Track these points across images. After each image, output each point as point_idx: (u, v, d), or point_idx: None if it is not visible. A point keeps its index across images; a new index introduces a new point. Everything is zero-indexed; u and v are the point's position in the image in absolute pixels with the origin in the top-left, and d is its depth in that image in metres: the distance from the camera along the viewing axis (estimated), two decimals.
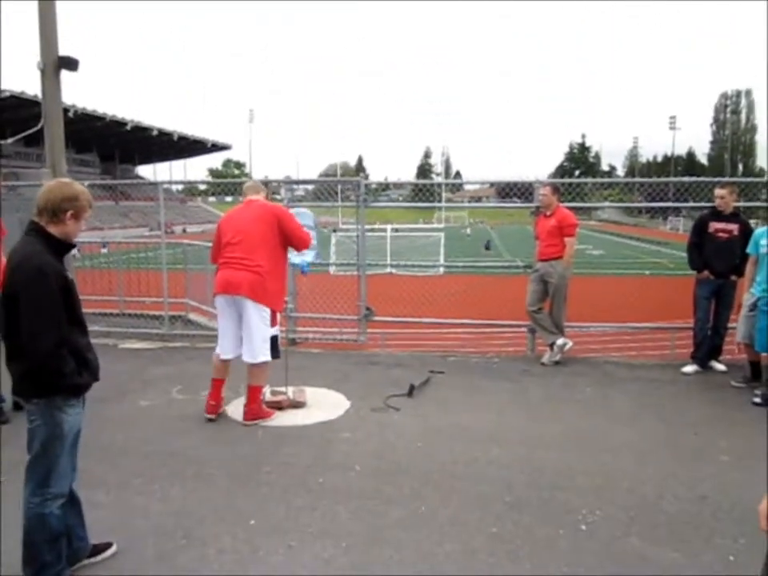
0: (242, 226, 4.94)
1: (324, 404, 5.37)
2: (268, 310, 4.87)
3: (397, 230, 32.07)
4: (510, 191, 8.50)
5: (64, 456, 2.70)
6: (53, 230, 2.64)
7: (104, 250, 11.44)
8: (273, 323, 4.94)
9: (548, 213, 6.76)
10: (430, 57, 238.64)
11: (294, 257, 5.43)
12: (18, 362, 2.60)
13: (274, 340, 4.98)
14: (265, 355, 4.92)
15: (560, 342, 6.66)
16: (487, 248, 33.75)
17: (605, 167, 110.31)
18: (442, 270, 18.70)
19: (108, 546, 3.03)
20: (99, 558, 2.98)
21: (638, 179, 17.88)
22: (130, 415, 5.11)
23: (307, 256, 5.57)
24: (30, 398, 2.65)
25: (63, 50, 8.71)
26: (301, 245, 5.03)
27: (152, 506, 3.54)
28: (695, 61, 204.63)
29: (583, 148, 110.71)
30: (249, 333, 4.87)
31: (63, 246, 2.69)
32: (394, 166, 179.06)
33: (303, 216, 5.60)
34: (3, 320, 2.60)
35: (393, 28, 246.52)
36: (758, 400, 5.32)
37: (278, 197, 7.96)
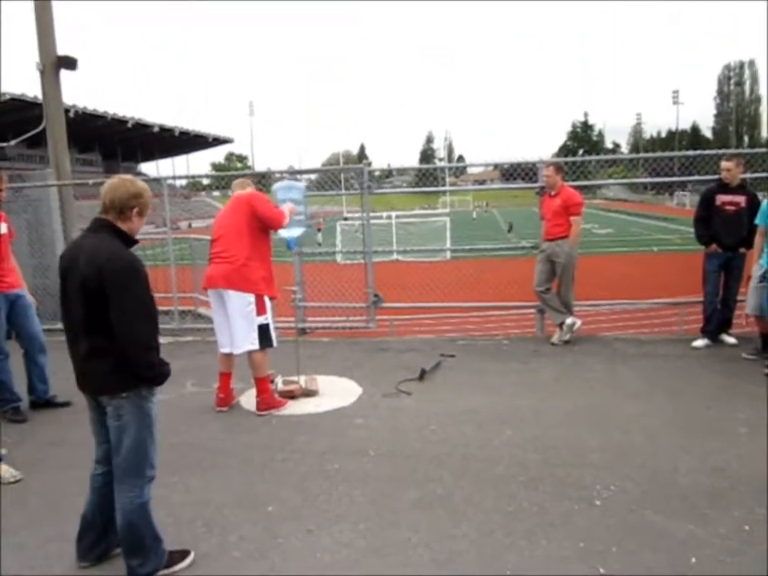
0: (223, 220, 5.09)
1: (336, 391, 5.41)
2: (251, 297, 4.88)
3: (399, 217, 31.99)
4: (513, 173, 8.48)
5: (153, 444, 2.79)
6: (121, 226, 2.70)
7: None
8: (261, 311, 4.92)
9: (553, 192, 6.74)
10: (429, 39, 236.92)
11: (282, 231, 5.42)
12: (102, 359, 2.62)
13: (264, 328, 4.97)
14: (250, 344, 4.93)
15: (569, 321, 6.66)
16: (510, 230, 32.55)
17: (609, 145, 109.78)
18: (448, 254, 18.68)
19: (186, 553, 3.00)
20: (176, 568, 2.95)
21: (642, 155, 17.71)
22: None
23: (295, 231, 5.55)
24: (118, 392, 2.67)
25: (62, 50, 8.76)
26: (274, 224, 5.06)
27: (172, 496, 3.59)
28: (697, 32, 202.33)
29: (586, 126, 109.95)
30: (231, 323, 4.95)
31: (130, 243, 2.74)
32: (396, 152, 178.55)
33: (291, 190, 5.59)
34: (82, 319, 2.61)
35: (392, 12, 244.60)
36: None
37: None
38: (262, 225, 5.00)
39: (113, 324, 2.55)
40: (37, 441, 4.61)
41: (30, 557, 3.04)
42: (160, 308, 8.79)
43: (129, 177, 2.83)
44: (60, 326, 2.97)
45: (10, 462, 4.02)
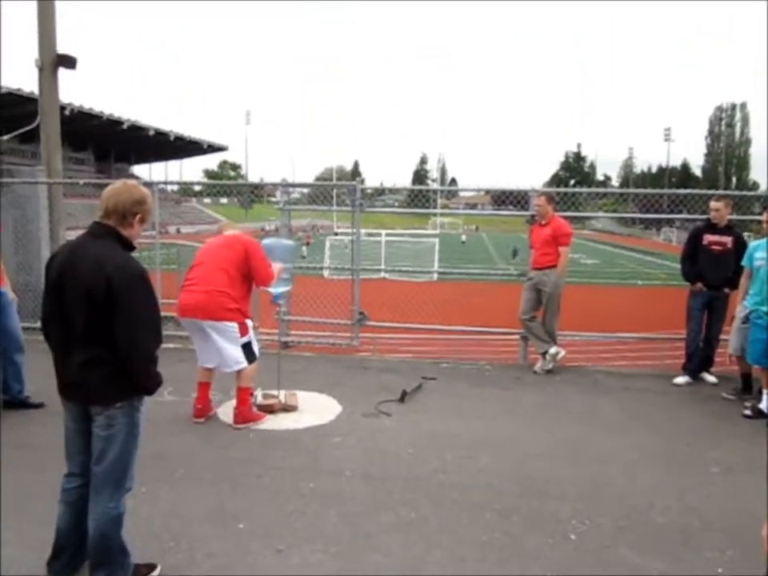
0: (209, 250, 5.05)
1: (316, 408, 5.36)
2: (233, 324, 4.83)
3: (389, 236, 32.03)
4: (505, 199, 8.53)
5: (135, 456, 2.75)
6: (122, 232, 2.66)
7: None
8: (243, 333, 4.89)
9: (543, 222, 6.78)
10: (427, 61, 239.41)
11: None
12: (101, 368, 2.57)
13: (247, 346, 4.94)
14: (240, 363, 4.91)
15: (552, 350, 6.68)
16: (514, 256, 29.49)
17: (600, 177, 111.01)
18: (435, 276, 18.74)
19: (152, 567, 2.94)
20: None
21: (632, 190, 17.92)
22: None
23: (280, 287, 5.51)
24: (113, 402, 2.61)
25: (62, 48, 8.74)
26: (261, 280, 4.98)
27: (140, 507, 3.51)
28: (691, 72, 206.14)
29: (579, 157, 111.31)
30: (218, 349, 4.89)
31: (130, 250, 2.70)
32: (390, 171, 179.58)
33: (281, 249, 5.52)
34: (82, 327, 2.54)
35: (391, 31, 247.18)
36: (748, 412, 5.35)
37: (273, 199, 7.96)
38: (249, 273, 4.93)
39: (117, 334, 2.50)
40: (7, 441, 4.51)
41: None
42: None
43: (132, 182, 2.78)
44: (38, 325, 2.91)
45: None
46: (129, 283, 2.51)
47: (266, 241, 5.42)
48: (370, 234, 24.68)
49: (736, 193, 7.60)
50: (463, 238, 50.82)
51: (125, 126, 55.96)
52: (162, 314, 7.86)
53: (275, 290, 5.45)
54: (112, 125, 55.10)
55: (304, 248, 23.70)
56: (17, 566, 2.92)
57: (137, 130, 58.09)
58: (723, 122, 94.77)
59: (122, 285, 2.49)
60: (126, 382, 2.59)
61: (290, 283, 5.88)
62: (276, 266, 5.10)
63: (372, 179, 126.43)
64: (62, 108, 9.53)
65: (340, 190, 9.65)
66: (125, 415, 2.64)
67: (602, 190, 37.24)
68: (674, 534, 3.36)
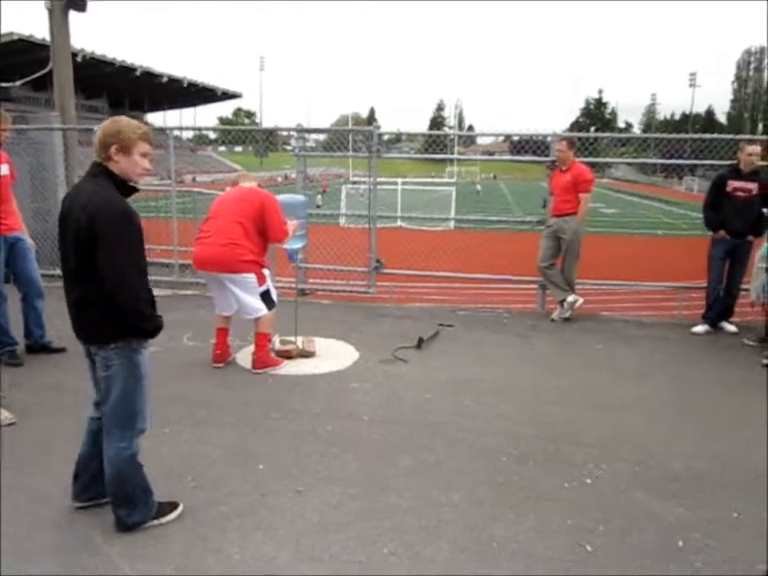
0: (225, 202, 4.98)
1: (333, 354, 5.40)
2: (250, 275, 4.83)
3: (405, 184, 31.68)
4: (524, 146, 8.32)
5: (143, 396, 2.76)
6: (112, 167, 2.63)
7: None
8: (261, 282, 4.89)
9: (563, 168, 6.65)
10: (444, 3, 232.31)
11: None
12: (93, 308, 2.60)
13: (266, 294, 4.95)
14: (259, 311, 4.93)
15: (570, 298, 6.63)
16: (545, 206, 30.72)
17: (621, 124, 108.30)
18: (452, 224, 18.57)
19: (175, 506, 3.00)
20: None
21: (654, 135, 17.40)
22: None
23: (296, 244, 5.46)
24: (108, 342, 2.64)
25: None
26: (275, 235, 4.92)
27: (162, 448, 3.59)
28: (719, 14, 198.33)
29: (600, 104, 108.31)
30: (237, 299, 4.93)
31: (127, 187, 2.67)
32: (406, 118, 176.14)
33: (294, 205, 5.42)
34: (74, 267, 2.58)
35: None
36: (766, 362, 5.30)
37: (288, 147, 7.85)
38: (263, 228, 4.87)
39: (101, 273, 2.51)
40: (32, 385, 4.60)
41: (17, 499, 3.05)
42: (161, 260, 8.76)
43: (117, 117, 2.73)
44: (58, 271, 2.93)
45: (4, 406, 4.02)
46: (110, 221, 2.50)
47: (281, 197, 5.32)
48: (386, 183, 24.41)
49: (761, 137, 7.33)
50: (478, 187, 50.00)
51: (138, 73, 55.21)
52: (180, 261, 8.02)
53: (291, 246, 5.41)
54: (125, 72, 54.37)
55: (319, 197, 23.54)
56: (48, 505, 3.00)
57: (150, 76, 57.34)
58: (752, 66, 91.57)
59: (103, 223, 2.49)
60: (119, 323, 2.60)
61: (306, 239, 5.83)
62: (291, 223, 5.04)
63: (388, 127, 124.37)
64: (74, 54, 9.39)
65: (356, 136, 9.46)
66: (121, 356, 2.66)
67: (623, 135, 36.31)
68: (692, 481, 3.37)
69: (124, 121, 2.68)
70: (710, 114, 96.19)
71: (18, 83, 9.73)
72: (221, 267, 4.79)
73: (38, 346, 5.26)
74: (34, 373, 4.86)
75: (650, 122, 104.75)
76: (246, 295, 4.87)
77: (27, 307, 5.23)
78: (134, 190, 2.73)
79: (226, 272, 4.80)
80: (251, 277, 4.83)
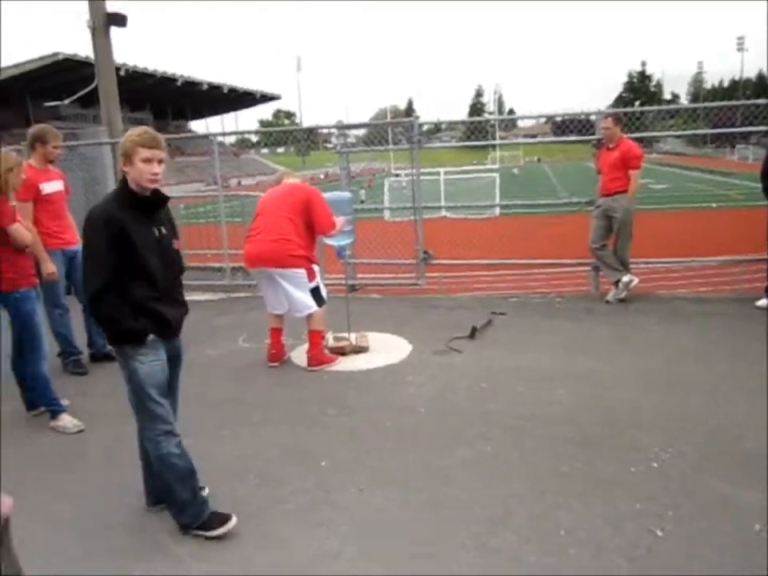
0: (271, 199, 5.03)
1: (386, 348, 5.40)
2: (301, 271, 4.87)
3: (447, 173, 31.42)
4: (567, 126, 8.15)
5: (153, 402, 2.76)
6: (128, 178, 2.70)
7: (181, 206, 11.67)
8: (311, 278, 4.93)
9: (611, 145, 6.47)
10: None
11: (328, 239, 5.35)
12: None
13: (316, 291, 4.99)
14: (310, 307, 4.97)
15: (625, 278, 6.46)
16: None
17: (667, 96, 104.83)
18: (497, 211, 18.34)
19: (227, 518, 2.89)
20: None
21: (702, 104, 16.72)
22: (198, 364, 5.23)
23: (344, 240, 5.47)
24: (111, 345, 2.85)
25: (111, 7, 8.76)
26: (322, 228, 4.92)
27: (224, 449, 3.66)
28: None
29: (643, 76, 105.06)
30: (287, 295, 4.97)
31: (135, 197, 2.69)
32: (445, 108, 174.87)
33: (341, 203, 5.40)
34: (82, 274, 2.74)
35: None
36: None
37: (329, 145, 7.87)
38: (310, 222, 4.90)
39: None
40: (97, 392, 4.75)
41: (89, 504, 3.14)
42: (213, 264, 8.91)
43: (138, 127, 2.80)
44: None
45: (72, 413, 4.16)
46: (84, 229, 2.67)
47: (327, 195, 5.34)
48: (428, 173, 24.30)
49: None
50: (515, 170, 49.28)
51: (179, 83, 56.32)
52: (231, 264, 8.15)
53: (339, 242, 5.43)
54: (166, 82, 55.54)
55: (362, 192, 23.60)
56: (119, 511, 3.10)
57: (191, 85, 58.43)
58: None
59: (83, 232, 2.67)
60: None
61: (353, 235, 5.84)
62: (339, 220, 5.03)
63: (427, 117, 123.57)
64: (117, 69, 9.61)
65: (396, 128, 9.41)
66: (120, 360, 2.79)
67: (670, 107, 35.16)
68: (765, 463, 3.23)
69: (130, 131, 2.73)
70: (761, 78, 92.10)
71: (66, 101, 10.08)
72: (271, 262, 4.85)
73: (101, 355, 5.42)
74: (98, 381, 5.02)
75: (698, 91, 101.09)
76: (296, 291, 4.92)
77: (88, 318, 5.39)
78: (151, 200, 2.73)
79: (277, 267, 4.85)
80: (301, 272, 4.87)
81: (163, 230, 2.79)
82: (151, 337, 2.73)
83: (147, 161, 2.64)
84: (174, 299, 2.88)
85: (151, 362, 2.75)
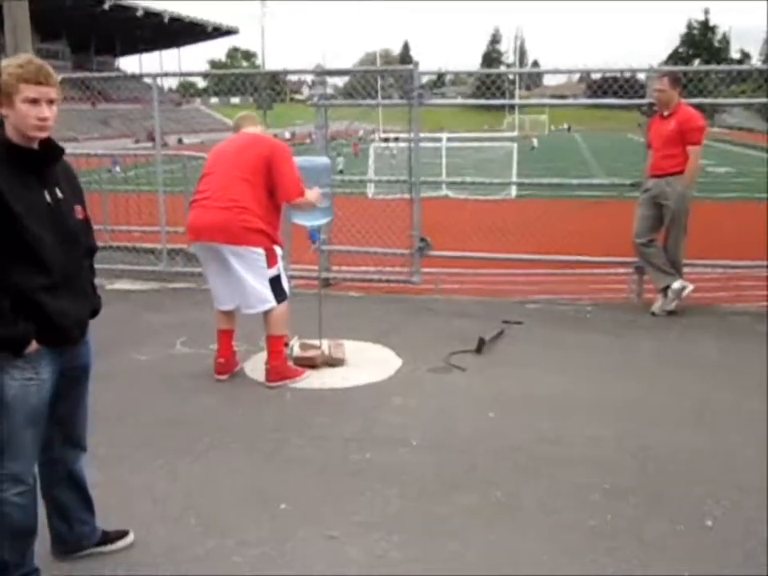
0: (225, 153, 5.02)
1: (368, 362, 5.44)
2: (259, 250, 4.85)
3: (451, 140, 31.52)
4: (607, 86, 8.20)
5: (18, 431, 2.61)
6: (7, 125, 2.55)
7: (117, 169, 11.54)
8: (271, 263, 4.91)
9: (666, 113, 6.54)
10: None
11: (297, 216, 5.41)
12: None
13: (276, 281, 4.97)
14: (266, 302, 4.94)
15: (676, 285, 6.53)
16: None
17: (735, 54, 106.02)
18: (514, 191, 18.45)
19: (123, 534, 3.11)
20: (111, 547, 3.07)
21: None
22: (124, 373, 5.24)
23: (317, 218, 5.47)
24: None
25: None
26: (288, 195, 4.88)
27: (157, 485, 3.66)
28: None
29: (706, 28, 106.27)
30: (239, 283, 4.92)
31: (16, 149, 2.56)
32: (450, 55, 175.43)
33: (316, 170, 5.40)
34: None
35: None
36: None
37: (299, 97, 7.87)
38: (271, 184, 4.86)
39: None
40: None
41: None
42: (144, 245, 8.85)
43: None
44: None
45: None
46: None
47: (298, 160, 5.32)
48: (427, 139, 24.32)
49: None
50: (534, 142, 49.57)
51: (106, 6, 55.98)
52: (169, 246, 8.13)
53: (312, 222, 5.44)
54: (90, 5, 55.18)
55: (340, 159, 23.57)
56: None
57: (121, 10, 58.16)
58: None
59: None
60: None
61: (331, 213, 5.85)
62: (312, 192, 5.02)
63: (427, 66, 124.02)
64: None
65: (386, 79, 9.44)
66: None
67: (741, 67, 35.37)
68: None
69: (5, 61, 2.53)
70: None
71: None
72: (221, 236, 4.78)
73: None
74: None
75: None
76: (250, 276, 4.87)
77: None
78: (39, 153, 2.60)
79: (228, 242, 4.79)
80: (259, 252, 4.84)
81: (59, 194, 2.65)
82: (34, 345, 2.57)
83: (32, 101, 2.50)
84: (76, 290, 2.74)
85: (25, 381, 2.59)
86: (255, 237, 4.81)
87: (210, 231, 4.82)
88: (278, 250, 5.01)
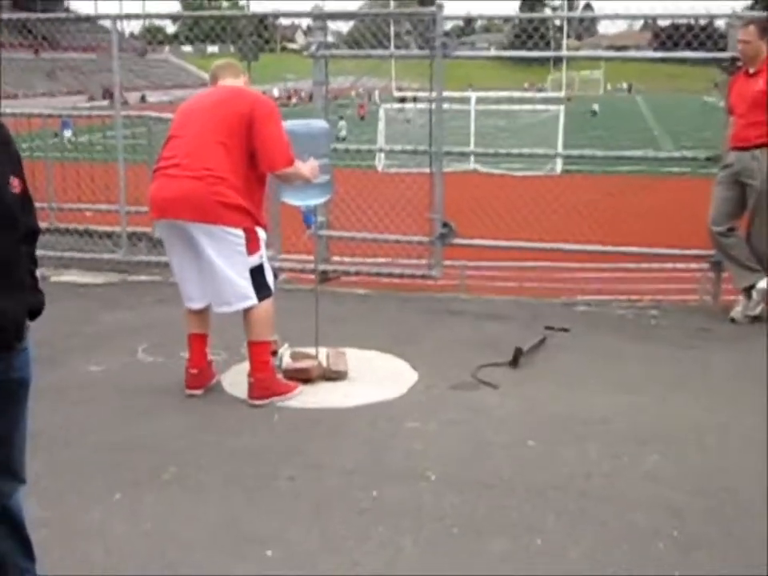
0: (196, 111, 5.01)
1: (376, 375, 5.47)
2: (237, 231, 4.81)
3: (480, 102, 31.50)
4: (677, 36, 8.18)
5: None
6: None
7: (68, 133, 11.54)
8: (252, 248, 4.88)
9: (752, 70, 6.54)
10: None
11: (289, 194, 5.42)
12: None
13: (258, 272, 4.94)
14: (245, 299, 4.90)
15: (762, 284, 6.52)
16: None
17: None
18: (559, 166, 18.42)
19: None
20: None
21: None
22: (73, 387, 5.25)
23: (313, 197, 5.49)
24: None
25: None
26: (273, 164, 4.85)
27: (113, 524, 3.66)
28: None
29: None
30: (211, 271, 4.87)
31: None
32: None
33: (312, 136, 5.39)
34: None
35: None
36: None
37: (293, 46, 7.86)
38: (252, 148, 4.81)
39: None
40: None
41: None
42: (99, 228, 8.93)
43: None
44: None
45: None
46: None
47: (290, 123, 5.30)
48: (452, 100, 24.28)
49: None
50: (595, 107, 49.43)
51: None
52: (129, 229, 8.16)
53: (307, 201, 5.43)
54: None
55: (342, 123, 23.55)
56: None
57: None
58: None
59: None
60: None
61: (330, 190, 5.83)
62: (307, 164, 5.01)
63: (453, 9, 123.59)
64: None
65: (401, 25, 9.38)
66: None
67: None
68: None
69: None
70: None
71: None
72: (191, 212, 4.72)
73: None
74: None
75: None
76: (225, 265, 4.81)
77: None
78: None
79: (199, 220, 4.73)
80: (237, 233, 4.79)
81: None
82: None
83: None
84: (12, 284, 2.60)
85: None
86: (232, 214, 4.75)
87: (177, 206, 4.76)
88: (262, 233, 4.98)
